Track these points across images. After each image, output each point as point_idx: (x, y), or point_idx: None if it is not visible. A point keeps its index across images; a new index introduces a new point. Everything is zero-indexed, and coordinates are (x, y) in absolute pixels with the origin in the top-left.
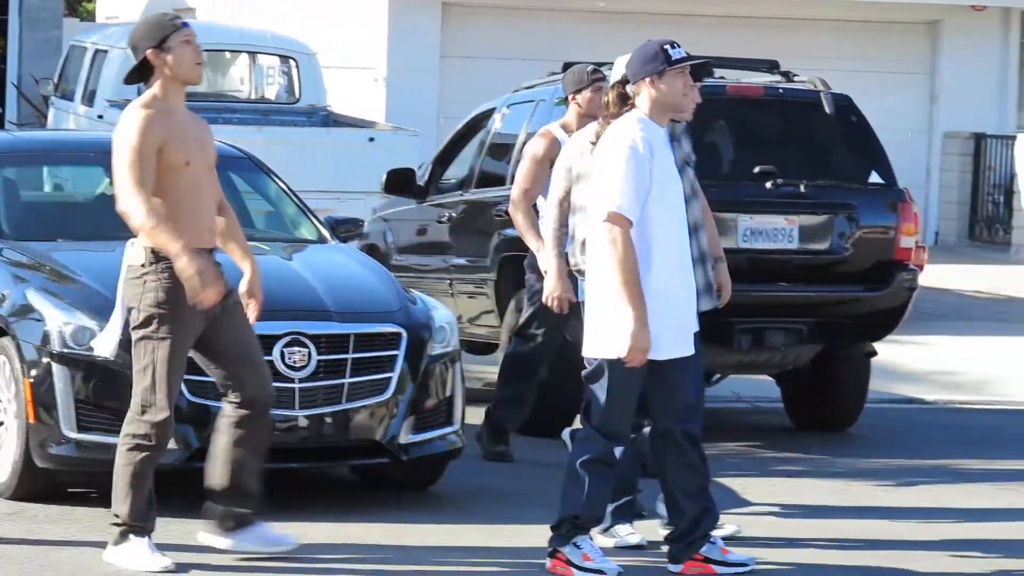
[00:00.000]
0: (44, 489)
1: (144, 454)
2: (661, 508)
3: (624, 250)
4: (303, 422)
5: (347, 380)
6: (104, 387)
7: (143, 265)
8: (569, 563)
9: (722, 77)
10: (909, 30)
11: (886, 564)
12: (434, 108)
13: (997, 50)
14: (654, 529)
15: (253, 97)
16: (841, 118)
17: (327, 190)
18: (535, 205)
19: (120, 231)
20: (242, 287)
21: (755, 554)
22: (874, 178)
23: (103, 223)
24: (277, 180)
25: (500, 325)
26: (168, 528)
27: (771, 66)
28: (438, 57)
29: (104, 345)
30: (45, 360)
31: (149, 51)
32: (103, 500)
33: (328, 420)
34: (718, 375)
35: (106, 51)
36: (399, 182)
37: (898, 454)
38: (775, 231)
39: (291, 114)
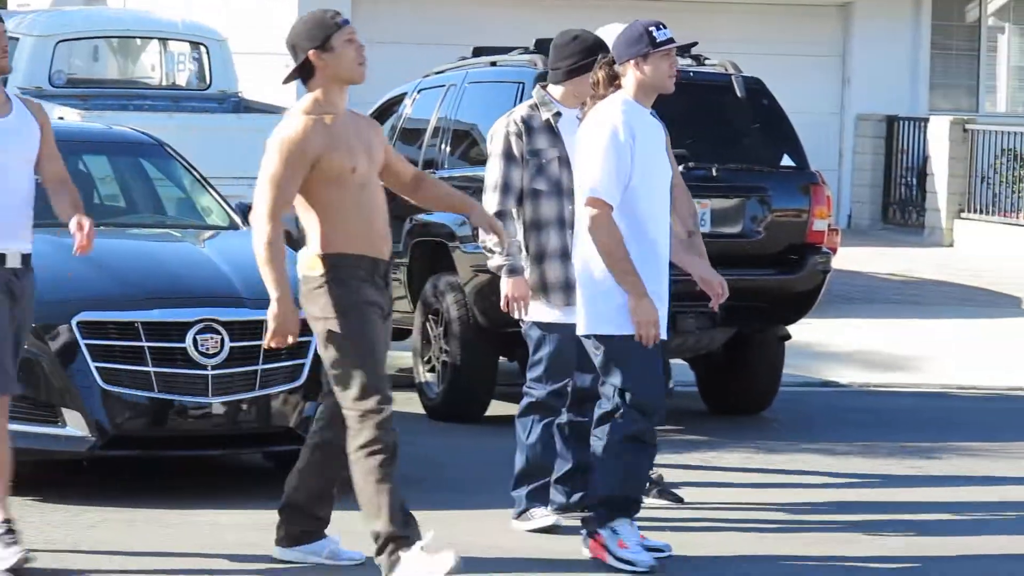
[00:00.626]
0: None
1: (383, 456)
2: (556, 494)
3: (608, 232)
4: (217, 409)
5: (260, 367)
6: None
7: (321, 275)
8: (606, 548)
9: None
10: (821, 13)
11: (797, 546)
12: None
13: (909, 32)
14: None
15: (164, 84)
16: (753, 101)
17: (239, 176)
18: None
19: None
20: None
21: (667, 538)
22: (786, 161)
23: None
24: (188, 167)
25: (413, 311)
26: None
27: (682, 49)
28: None
29: None
30: None
31: (311, 52)
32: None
33: (242, 407)
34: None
35: (17, 39)
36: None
37: (812, 437)
38: None
39: (202, 100)
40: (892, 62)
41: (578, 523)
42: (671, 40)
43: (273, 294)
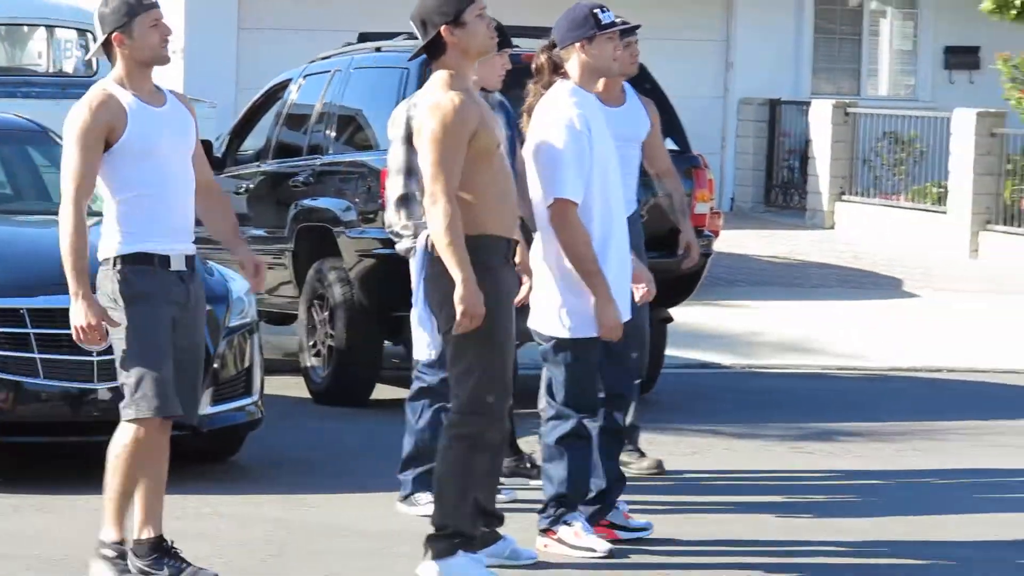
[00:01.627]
0: None
1: (477, 454)
2: None
3: (574, 232)
4: (103, 395)
5: None
6: None
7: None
8: (562, 541)
9: (517, 47)
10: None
11: (688, 529)
12: (232, 80)
13: (792, 16)
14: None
15: (51, 71)
16: (635, 85)
17: None
18: None
19: None
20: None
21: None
22: (669, 145)
23: None
24: None
25: (299, 296)
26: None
27: (627, 31)
28: (236, 29)
29: (423, 349)
30: None
31: (445, 27)
32: None
33: None
34: (518, 342)
35: None
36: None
37: (695, 419)
38: None
39: (89, 88)
40: (775, 46)
41: None
42: (615, 22)
43: (458, 276)
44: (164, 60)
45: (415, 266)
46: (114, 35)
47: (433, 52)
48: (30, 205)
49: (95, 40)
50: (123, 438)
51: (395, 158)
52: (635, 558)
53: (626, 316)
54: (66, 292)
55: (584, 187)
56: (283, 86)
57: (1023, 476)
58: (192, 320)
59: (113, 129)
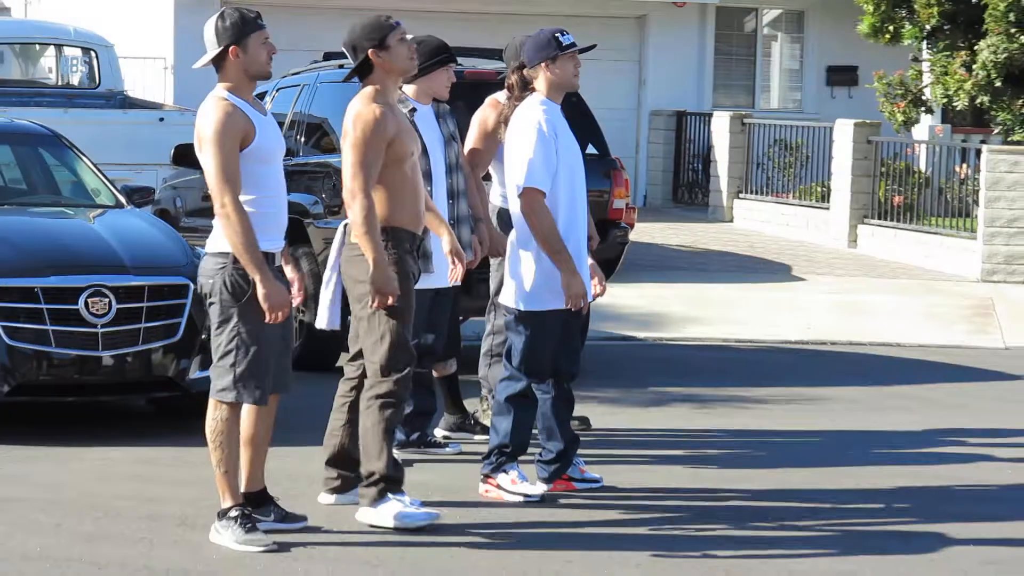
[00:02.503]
0: None
1: (392, 410)
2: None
3: (541, 217)
4: (107, 361)
5: (143, 325)
6: None
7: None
8: (500, 487)
9: (460, 65)
10: (621, 24)
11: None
12: None
13: (695, 40)
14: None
15: (59, 84)
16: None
17: (124, 163)
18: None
19: None
20: (445, 248)
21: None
22: (591, 150)
23: None
24: (80, 155)
25: None
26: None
27: (498, 54)
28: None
29: (326, 319)
30: None
31: (371, 50)
32: None
33: (128, 359)
34: (461, 317)
35: None
36: (185, 156)
37: (613, 384)
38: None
39: (92, 98)
40: (681, 66)
41: (415, 456)
42: (574, 44)
43: (371, 259)
44: (268, 75)
45: (332, 251)
46: (231, 48)
47: (362, 72)
48: (42, 198)
49: (207, 51)
50: (219, 418)
51: None
52: (565, 500)
53: (592, 293)
54: (73, 273)
55: (551, 181)
56: (259, 96)
57: (898, 433)
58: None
59: (247, 135)
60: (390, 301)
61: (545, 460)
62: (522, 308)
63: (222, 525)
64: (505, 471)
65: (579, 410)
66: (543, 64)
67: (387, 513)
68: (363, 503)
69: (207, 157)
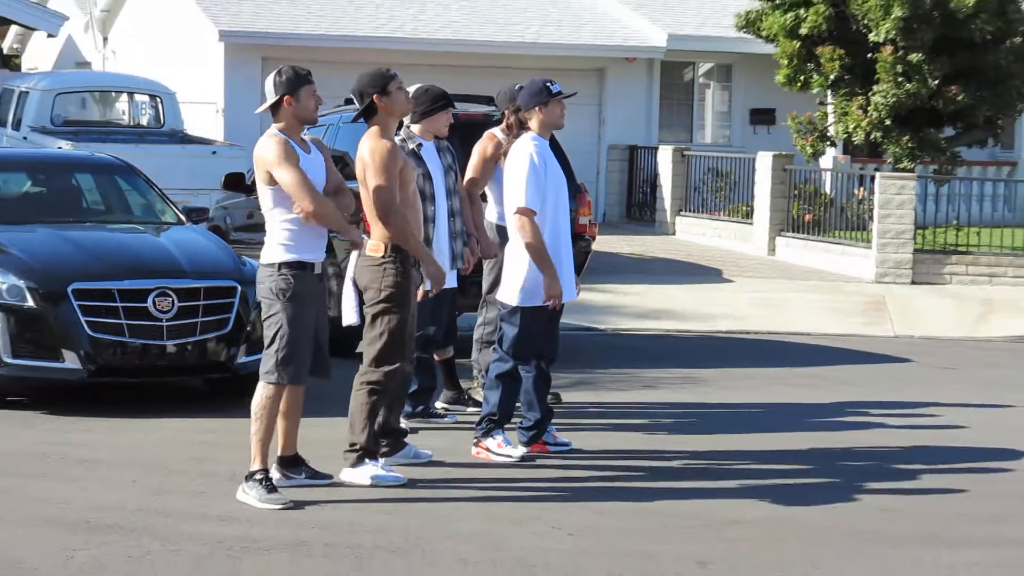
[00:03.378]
0: None
1: (376, 396)
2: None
3: (532, 231)
4: (171, 349)
5: (200, 319)
6: (30, 327)
7: (382, 256)
8: (488, 450)
9: (456, 108)
10: (585, 74)
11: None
12: (257, 129)
13: (644, 88)
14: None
15: (131, 124)
16: None
17: (184, 188)
18: (483, 195)
19: (40, 217)
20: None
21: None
22: None
23: (27, 213)
24: (148, 182)
25: None
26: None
27: (488, 100)
28: (259, 94)
29: (350, 317)
30: None
31: (375, 96)
32: (33, 405)
33: (187, 348)
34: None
35: (28, 92)
36: (233, 182)
37: (577, 366)
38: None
39: (158, 135)
40: (633, 109)
41: (420, 425)
42: (561, 91)
43: (423, 258)
44: (314, 121)
45: (351, 262)
46: (284, 98)
47: (368, 114)
48: (118, 217)
49: (266, 99)
50: (264, 395)
51: None
52: (541, 461)
53: (570, 296)
54: (143, 277)
55: (541, 203)
56: None
57: (809, 405)
58: (323, 306)
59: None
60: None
61: (525, 427)
62: (514, 304)
63: (248, 486)
64: (493, 436)
65: (552, 387)
66: (536, 107)
67: (364, 474)
68: (345, 465)
69: (282, 176)
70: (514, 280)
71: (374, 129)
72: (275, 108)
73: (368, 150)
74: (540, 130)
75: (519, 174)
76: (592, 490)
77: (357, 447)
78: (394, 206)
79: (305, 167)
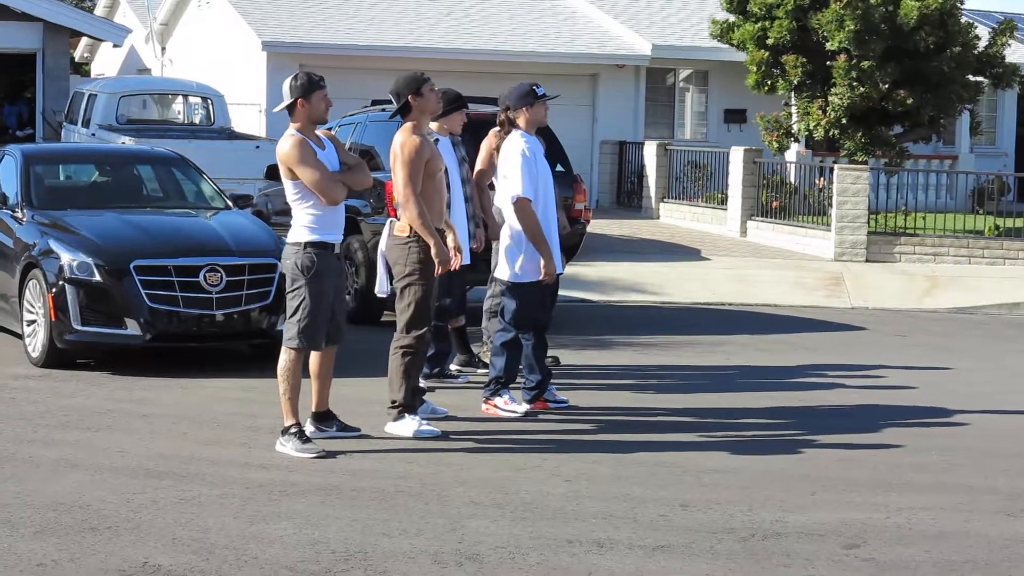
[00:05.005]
0: (61, 361)
1: (410, 357)
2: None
3: (530, 217)
4: (219, 318)
5: (244, 292)
6: (96, 299)
7: (408, 237)
8: (496, 407)
9: (468, 108)
10: (580, 79)
11: (575, 399)
12: None
13: (632, 91)
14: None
15: (185, 122)
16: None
17: (231, 177)
18: (490, 184)
19: (106, 203)
20: (450, 243)
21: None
22: (559, 168)
23: (95, 199)
24: (200, 172)
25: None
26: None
27: (494, 102)
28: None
29: (381, 288)
30: (60, 282)
31: (410, 96)
32: (99, 366)
33: (234, 317)
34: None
35: (96, 95)
36: (274, 172)
37: (574, 332)
38: None
39: (209, 132)
40: (622, 108)
41: (437, 384)
42: (545, 94)
43: (431, 241)
44: (325, 121)
45: (381, 241)
46: (299, 100)
47: (403, 112)
48: (174, 203)
49: (281, 100)
50: (287, 359)
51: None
52: (542, 416)
53: (559, 270)
54: (195, 255)
55: (534, 192)
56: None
57: (775, 368)
58: (343, 281)
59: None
60: (454, 265)
61: (528, 387)
62: (513, 280)
63: (284, 439)
64: (500, 395)
65: (552, 352)
66: (523, 108)
67: (406, 427)
68: (388, 420)
69: (304, 174)
70: (512, 260)
71: (408, 125)
72: (291, 109)
73: (399, 144)
74: (527, 127)
75: (515, 167)
76: (587, 442)
77: (397, 403)
78: (414, 195)
79: (322, 160)
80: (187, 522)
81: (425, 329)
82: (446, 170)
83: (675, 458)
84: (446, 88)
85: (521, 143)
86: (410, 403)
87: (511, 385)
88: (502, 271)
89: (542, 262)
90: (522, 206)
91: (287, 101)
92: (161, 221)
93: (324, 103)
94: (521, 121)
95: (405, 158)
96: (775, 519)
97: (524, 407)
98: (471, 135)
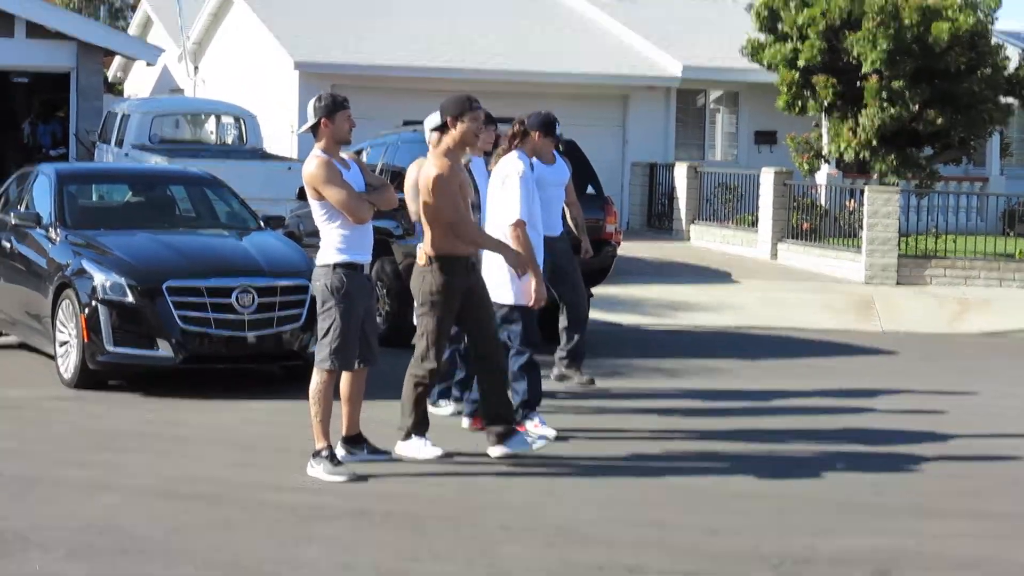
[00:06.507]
0: (93, 382)
1: (421, 388)
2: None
3: (524, 241)
4: (251, 339)
5: (276, 314)
6: (129, 319)
7: (424, 265)
8: (526, 431)
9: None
10: (612, 101)
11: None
12: None
13: (663, 113)
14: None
15: (218, 142)
16: (571, 154)
17: (264, 198)
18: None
19: (139, 223)
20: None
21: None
22: (590, 190)
23: (128, 219)
24: (233, 192)
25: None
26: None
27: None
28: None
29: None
30: (93, 303)
31: (450, 118)
32: (131, 387)
33: (265, 338)
34: None
35: (129, 115)
36: (305, 193)
37: (606, 354)
38: None
39: (241, 152)
40: (652, 130)
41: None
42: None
43: (500, 250)
44: (348, 142)
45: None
46: (322, 121)
47: (443, 130)
48: (206, 223)
49: (307, 120)
50: (319, 381)
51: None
52: (573, 439)
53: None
54: (227, 276)
55: (528, 213)
56: (358, 152)
57: (805, 391)
58: (373, 301)
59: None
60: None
61: (473, 400)
62: (513, 302)
63: (315, 461)
64: (530, 419)
65: (587, 371)
66: (535, 133)
67: (413, 448)
68: (398, 441)
69: (331, 194)
70: (511, 282)
71: (439, 150)
72: (315, 129)
73: (434, 167)
74: (529, 150)
75: (513, 189)
76: (617, 467)
77: (407, 429)
78: (463, 221)
79: (348, 180)
80: (218, 545)
81: (436, 362)
82: (477, 191)
83: (704, 483)
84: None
85: (519, 165)
86: (419, 429)
87: (539, 407)
88: (502, 294)
89: (533, 284)
90: (517, 227)
91: (311, 121)
92: (194, 241)
93: (348, 123)
94: (528, 143)
95: (439, 186)
96: (805, 545)
97: (552, 431)
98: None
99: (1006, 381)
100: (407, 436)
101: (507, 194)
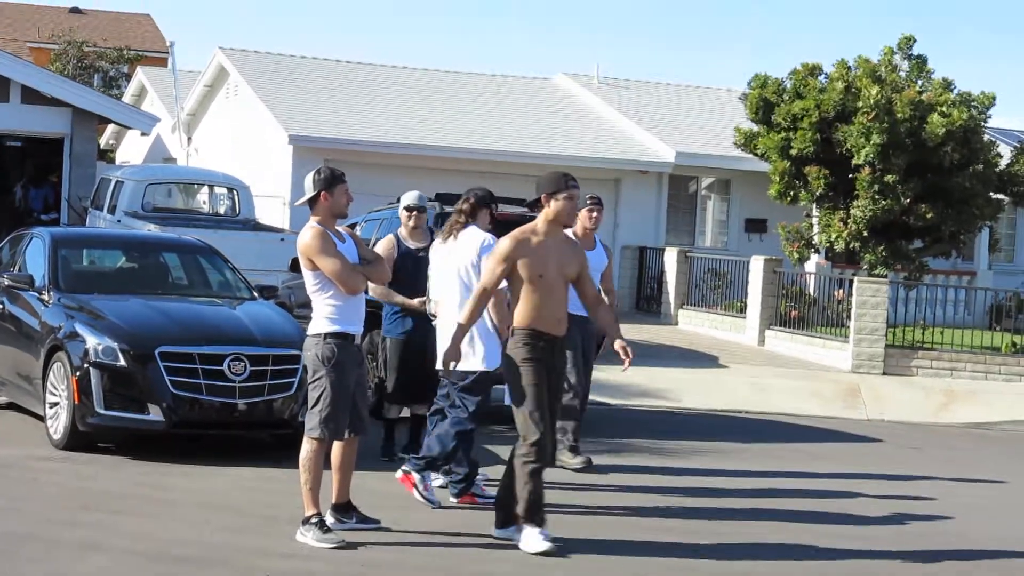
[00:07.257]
0: (83, 444)
1: (532, 467)
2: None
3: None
4: (242, 407)
5: (268, 382)
6: (121, 383)
7: (513, 333)
8: (415, 485)
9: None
10: (603, 183)
11: (600, 499)
12: None
13: (654, 197)
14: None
15: (211, 212)
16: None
17: (256, 268)
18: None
19: (132, 289)
20: (617, 345)
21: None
22: None
23: (121, 284)
24: (226, 262)
25: None
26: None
27: (521, 202)
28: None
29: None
30: (85, 366)
31: (544, 195)
32: (120, 450)
33: (257, 406)
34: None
35: (123, 182)
36: (298, 264)
37: (592, 435)
38: None
39: (234, 223)
40: (643, 215)
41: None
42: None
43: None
44: (345, 215)
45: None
46: (321, 194)
47: (534, 207)
48: (199, 291)
49: (303, 192)
50: (309, 449)
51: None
52: (561, 513)
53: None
54: (220, 344)
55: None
56: (352, 226)
57: (793, 474)
58: (363, 371)
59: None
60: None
61: (456, 481)
62: (489, 368)
63: (305, 528)
64: (426, 478)
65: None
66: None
67: (526, 539)
68: (522, 531)
69: (325, 264)
70: (488, 349)
71: (531, 224)
72: (312, 202)
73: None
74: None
75: (488, 258)
76: (606, 542)
77: (520, 517)
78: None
79: (342, 252)
80: None
81: (538, 434)
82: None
83: (691, 564)
84: (478, 187)
85: (485, 235)
86: (533, 514)
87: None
88: (473, 363)
89: (483, 352)
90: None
91: (309, 194)
92: (187, 308)
93: (345, 197)
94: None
95: (496, 255)
96: None
97: (436, 499)
98: (498, 234)
99: (992, 472)
100: (519, 527)
101: (484, 263)
